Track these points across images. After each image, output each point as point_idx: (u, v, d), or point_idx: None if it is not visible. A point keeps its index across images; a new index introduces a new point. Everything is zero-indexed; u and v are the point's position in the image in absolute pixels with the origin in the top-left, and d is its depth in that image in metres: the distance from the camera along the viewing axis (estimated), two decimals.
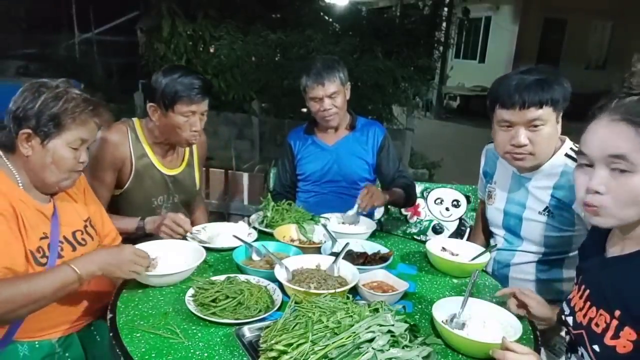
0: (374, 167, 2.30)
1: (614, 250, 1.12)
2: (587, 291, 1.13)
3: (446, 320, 1.24)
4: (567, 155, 1.59)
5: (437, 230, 2.56)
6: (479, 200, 2.27)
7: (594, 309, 1.08)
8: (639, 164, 0.97)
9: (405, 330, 1.07)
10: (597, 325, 1.06)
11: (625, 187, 0.99)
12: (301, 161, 2.33)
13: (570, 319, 1.17)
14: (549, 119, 1.50)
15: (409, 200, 2.29)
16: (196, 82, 1.75)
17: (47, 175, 1.36)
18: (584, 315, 1.10)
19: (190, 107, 1.76)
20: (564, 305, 1.22)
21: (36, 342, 1.38)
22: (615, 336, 1.00)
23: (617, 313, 1.01)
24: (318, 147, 2.30)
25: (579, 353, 1.15)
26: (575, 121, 1.52)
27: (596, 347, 1.05)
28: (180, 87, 1.73)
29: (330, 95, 2.13)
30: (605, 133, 1.01)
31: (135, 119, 1.89)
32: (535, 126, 1.51)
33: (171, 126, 1.79)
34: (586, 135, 1.06)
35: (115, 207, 1.85)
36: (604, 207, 1.02)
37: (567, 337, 1.23)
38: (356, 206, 1.95)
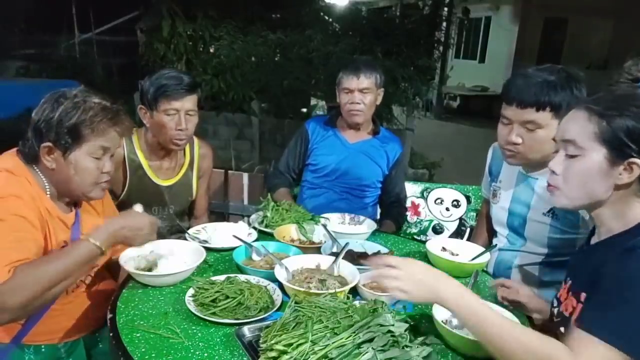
0: (384, 178, 2.32)
1: (593, 240, 1.18)
2: (570, 282, 1.18)
3: (446, 321, 1.24)
4: None
5: (437, 230, 2.56)
6: (481, 200, 2.27)
7: (569, 295, 1.14)
8: (585, 149, 1.05)
9: (405, 330, 1.07)
10: (566, 309, 1.12)
11: (573, 170, 1.08)
12: (316, 151, 2.32)
13: (555, 310, 1.22)
14: (546, 124, 1.48)
15: (397, 230, 2.33)
16: (177, 78, 1.75)
17: (72, 187, 1.36)
18: (565, 305, 1.16)
19: (171, 104, 1.75)
20: (554, 299, 1.26)
21: (42, 346, 1.38)
22: None
23: (583, 296, 1.06)
24: (338, 141, 2.30)
25: None
26: None
27: (562, 329, 1.11)
28: (161, 84, 1.74)
29: (362, 89, 2.15)
30: (566, 119, 1.11)
31: (133, 129, 1.88)
32: (530, 128, 1.50)
33: (158, 126, 1.79)
34: None
35: None
36: (557, 188, 1.12)
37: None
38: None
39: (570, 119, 1.10)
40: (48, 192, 1.35)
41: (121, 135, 1.41)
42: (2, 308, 1.10)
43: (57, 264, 1.19)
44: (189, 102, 1.79)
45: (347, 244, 1.60)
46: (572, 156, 1.08)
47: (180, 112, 1.77)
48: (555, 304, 1.24)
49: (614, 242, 1.06)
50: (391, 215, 2.31)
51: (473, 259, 1.65)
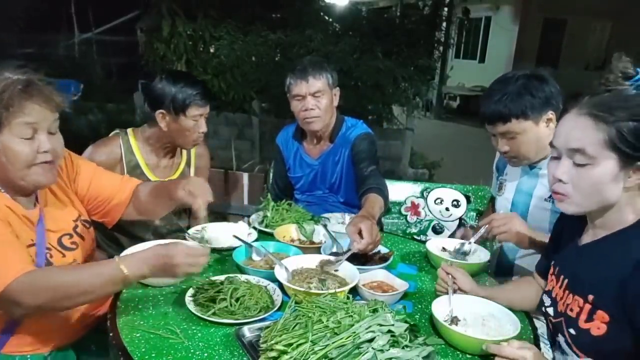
0: (353, 163, 2.11)
1: (586, 238, 1.18)
2: (566, 280, 1.17)
3: (446, 320, 1.24)
4: None
5: (437, 230, 2.55)
6: (481, 200, 2.30)
7: (570, 295, 1.14)
8: (596, 157, 1.03)
9: (405, 330, 1.07)
10: (571, 310, 1.12)
11: (584, 179, 1.06)
12: (290, 169, 2.28)
13: (551, 310, 1.21)
14: (522, 129, 1.56)
15: (386, 204, 1.91)
16: (202, 88, 1.89)
17: (10, 176, 1.23)
18: (564, 304, 1.15)
19: (199, 110, 1.87)
20: (544, 296, 1.26)
21: (28, 356, 1.32)
22: (589, 319, 1.06)
23: (591, 297, 1.06)
24: (303, 159, 2.23)
25: (556, 343, 1.19)
26: None
27: (572, 331, 1.11)
28: (190, 93, 1.85)
29: (314, 93, 2.02)
30: (569, 126, 1.08)
31: (129, 130, 1.95)
32: (510, 137, 1.59)
33: (181, 130, 1.87)
34: (557, 128, 1.13)
35: None
36: (567, 195, 1.10)
37: (547, 330, 1.28)
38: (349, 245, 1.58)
39: (574, 127, 1.07)
40: (3, 190, 1.25)
41: (50, 109, 1.24)
42: (17, 303, 1.11)
43: (84, 275, 1.18)
44: (209, 108, 1.93)
45: (349, 249, 1.54)
46: (580, 165, 1.05)
47: (203, 117, 1.90)
48: (547, 303, 1.23)
49: (618, 241, 1.07)
50: (370, 187, 1.88)
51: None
